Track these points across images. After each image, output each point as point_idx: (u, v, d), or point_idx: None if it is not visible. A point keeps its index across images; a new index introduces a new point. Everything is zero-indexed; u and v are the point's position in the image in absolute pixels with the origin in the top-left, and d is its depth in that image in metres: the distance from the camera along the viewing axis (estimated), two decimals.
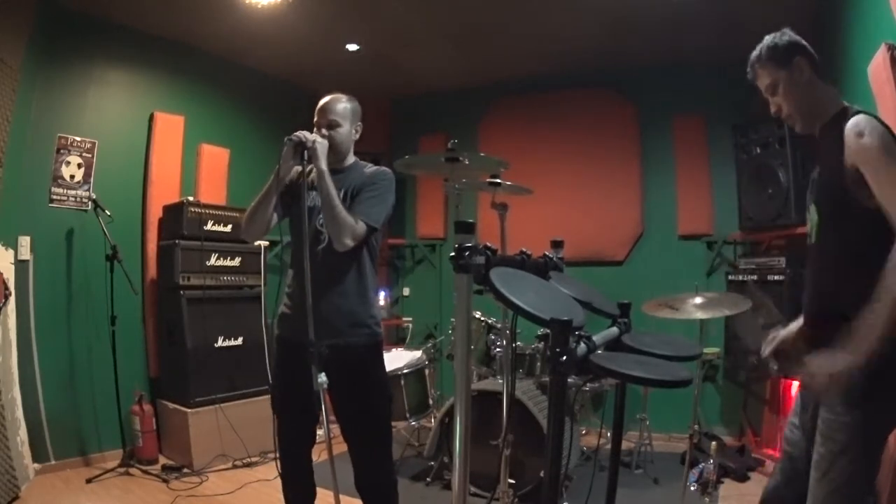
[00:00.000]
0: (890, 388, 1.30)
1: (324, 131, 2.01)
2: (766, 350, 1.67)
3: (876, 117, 1.35)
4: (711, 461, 2.86)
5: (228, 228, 3.85)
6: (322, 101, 2.07)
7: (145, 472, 3.35)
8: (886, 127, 1.33)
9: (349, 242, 1.92)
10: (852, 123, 1.33)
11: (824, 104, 1.47)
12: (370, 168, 2.12)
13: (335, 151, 2.02)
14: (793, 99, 1.49)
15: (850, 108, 1.43)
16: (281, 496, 2.13)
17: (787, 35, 1.50)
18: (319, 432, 2.23)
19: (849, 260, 1.38)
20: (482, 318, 3.33)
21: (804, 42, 1.50)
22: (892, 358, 1.29)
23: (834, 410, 1.33)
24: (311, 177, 1.99)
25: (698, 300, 2.70)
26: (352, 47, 4.29)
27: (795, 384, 2.89)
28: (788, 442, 1.58)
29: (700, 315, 2.63)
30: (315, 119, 2.07)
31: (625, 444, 3.10)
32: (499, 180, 2.47)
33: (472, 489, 2.88)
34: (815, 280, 1.50)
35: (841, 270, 1.40)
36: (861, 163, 1.29)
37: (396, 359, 3.52)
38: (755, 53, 1.54)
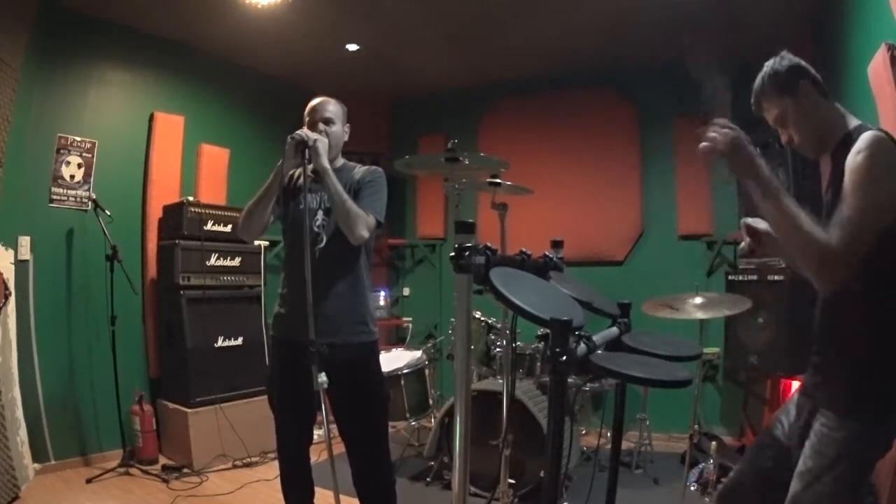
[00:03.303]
0: (882, 404, 1.29)
1: (321, 126, 2.03)
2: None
3: (885, 133, 1.30)
4: (711, 461, 2.85)
5: (228, 228, 3.85)
6: (313, 102, 2.11)
7: (145, 472, 3.34)
8: (894, 144, 1.29)
9: (364, 234, 1.94)
10: (858, 144, 1.29)
11: (832, 126, 1.42)
12: (360, 168, 2.14)
13: (331, 149, 2.04)
14: (803, 127, 1.43)
15: (857, 128, 1.37)
16: (281, 496, 2.13)
17: (786, 59, 1.44)
18: (318, 432, 2.24)
19: (856, 283, 1.36)
20: (482, 318, 3.33)
21: (805, 63, 1.44)
22: (884, 375, 1.29)
23: (828, 425, 1.33)
24: (300, 181, 2.00)
25: (698, 300, 2.71)
26: (352, 47, 4.29)
27: (795, 384, 2.88)
28: (771, 435, 1.55)
29: (700, 315, 2.63)
30: (308, 119, 2.09)
31: (625, 444, 3.09)
32: (499, 180, 2.47)
33: (472, 489, 2.88)
34: (824, 303, 1.48)
35: (850, 293, 1.36)
36: (847, 173, 1.26)
37: (396, 359, 3.52)
38: (757, 84, 1.48)
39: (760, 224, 1.57)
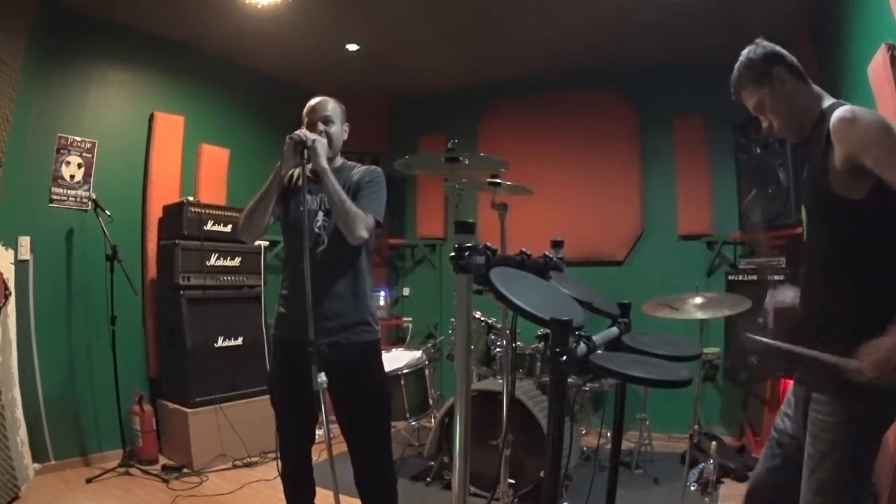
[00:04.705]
0: (878, 389, 1.29)
1: (320, 126, 2.03)
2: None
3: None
4: (711, 461, 2.85)
5: (228, 228, 3.85)
6: (312, 102, 2.11)
7: (145, 472, 3.34)
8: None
9: (364, 234, 1.94)
10: (837, 115, 1.29)
11: (809, 108, 1.43)
12: (359, 168, 2.14)
13: (331, 148, 2.04)
14: (781, 113, 1.45)
15: (831, 106, 1.38)
16: (281, 496, 2.13)
17: (760, 47, 1.45)
18: (319, 432, 2.23)
19: (838, 260, 1.36)
20: (482, 318, 3.33)
21: (779, 49, 1.45)
22: None
23: (821, 410, 1.33)
24: (300, 182, 2.00)
25: (698, 300, 2.70)
26: (352, 47, 4.29)
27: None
28: (777, 430, 1.56)
29: (700, 315, 2.63)
30: (307, 119, 2.09)
31: (625, 444, 3.09)
32: (499, 180, 2.47)
33: (472, 489, 2.88)
34: (806, 281, 1.49)
35: (830, 271, 1.38)
36: (860, 148, 1.23)
37: (396, 359, 3.52)
38: (734, 75, 1.49)
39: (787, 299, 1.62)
